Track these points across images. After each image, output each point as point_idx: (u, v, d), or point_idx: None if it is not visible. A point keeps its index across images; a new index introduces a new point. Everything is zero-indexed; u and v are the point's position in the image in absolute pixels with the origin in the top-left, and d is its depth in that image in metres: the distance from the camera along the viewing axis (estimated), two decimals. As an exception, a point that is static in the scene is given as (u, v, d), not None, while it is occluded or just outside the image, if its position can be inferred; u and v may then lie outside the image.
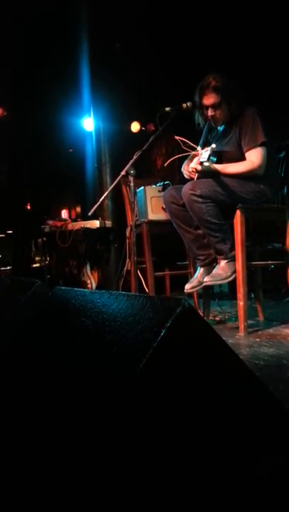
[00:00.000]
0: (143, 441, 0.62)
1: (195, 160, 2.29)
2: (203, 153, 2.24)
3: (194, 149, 2.35)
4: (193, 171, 2.29)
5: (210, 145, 2.35)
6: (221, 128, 2.49)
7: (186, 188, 2.27)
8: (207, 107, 2.36)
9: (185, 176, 2.41)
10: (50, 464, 0.64)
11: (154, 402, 0.63)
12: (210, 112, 2.36)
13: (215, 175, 2.33)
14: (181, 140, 2.34)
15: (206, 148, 2.28)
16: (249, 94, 2.58)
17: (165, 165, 2.68)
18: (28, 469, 0.67)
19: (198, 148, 2.36)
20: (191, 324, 0.66)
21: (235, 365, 0.71)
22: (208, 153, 2.20)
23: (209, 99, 2.33)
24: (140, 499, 0.60)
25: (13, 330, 1.04)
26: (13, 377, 0.90)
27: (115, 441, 0.59)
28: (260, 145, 2.29)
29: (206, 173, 2.32)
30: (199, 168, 2.23)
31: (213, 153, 2.35)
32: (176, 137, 2.35)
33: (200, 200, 2.22)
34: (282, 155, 2.51)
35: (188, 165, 2.36)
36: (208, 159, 2.20)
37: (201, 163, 2.19)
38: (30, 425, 0.75)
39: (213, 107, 2.34)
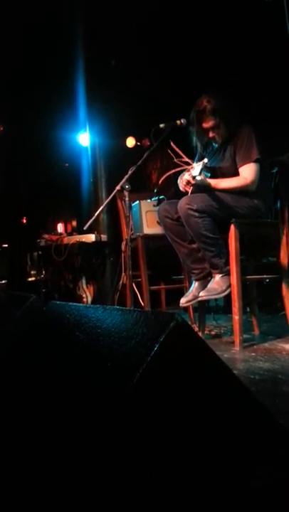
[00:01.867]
0: (138, 454, 0.61)
1: (187, 174, 2.32)
2: (196, 168, 2.27)
3: (187, 164, 2.38)
4: (187, 184, 2.32)
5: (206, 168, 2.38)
6: (216, 144, 2.53)
7: (182, 203, 2.29)
8: (207, 130, 2.41)
9: (181, 188, 2.44)
10: (43, 479, 0.64)
11: (147, 417, 0.63)
12: (211, 134, 2.42)
13: (208, 189, 2.35)
14: (174, 152, 2.37)
15: (198, 163, 2.31)
16: (242, 109, 2.63)
17: (160, 182, 2.71)
18: (23, 481, 0.67)
19: (194, 164, 2.39)
20: (185, 339, 0.67)
21: (229, 379, 0.71)
22: (200, 167, 2.23)
23: (208, 123, 2.38)
24: (135, 509, 0.59)
25: (7, 344, 1.04)
26: (7, 391, 0.90)
27: (109, 456, 0.59)
28: (254, 161, 2.33)
29: (199, 187, 2.35)
30: (192, 182, 2.25)
31: (207, 168, 2.38)
32: (171, 146, 2.38)
33: (196, 214, 2.24)
34: (274, 170, 2.55)
35: (182, 183, 2.39)
36: (200, 173, 2.22)
37: (194, 178, 2.22)
38: (24, 438, 0.74)
39: (213, 128, 2.40)
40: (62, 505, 0.57)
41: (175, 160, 2.35)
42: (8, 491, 0.66)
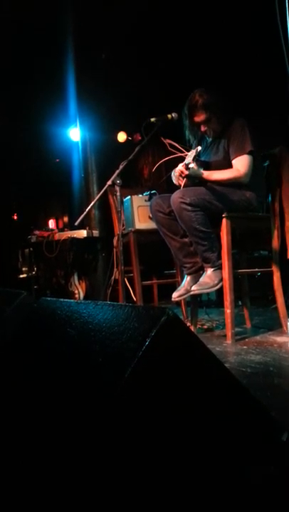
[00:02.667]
0: (129, 450, 0.61)
1: (180, 165, 2.32)
2: (189, 156, 2.27)
3: (181, 151, 2.37)
4: (180, 176, 2.31)
5: (199, 156, 2.38)
6: (209, 139, 2.54)
7: (175, 196, 2.29)
8: (199, 124, 2.44)
9: (174, 181, 2.44)
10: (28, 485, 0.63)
11: (139, 411, 0.62)
12: (202, 128, 2.46)
13: (201, 180, 2.36)
14: (168, 143, 2.36)
15: (191, 151, 2.31)
16: (234, 104, 2.64)
17: (152, 170, 2.70)
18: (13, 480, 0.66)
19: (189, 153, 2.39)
20: (176, 333, 0.67)
21: (221, 372, 0.71)
22: (193, 154, 2.23)
23: (200, 117, 2.42)
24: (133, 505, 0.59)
25: (-2, 341, 1.03)
26: (-1, 390, 0.89)
27: (100, 454, 0.59)
28: (247, 154, 2.35)
29: (192, 179, 2.35)
30: (186, 172, 2.25)
31: (200, 162, 2.38)
32: (165, 140, 2.37)
33: (189, 208, 2.24)
34: (266, 164, 2.55)
35: (176, 175, 2.39)
36: (193, 160, 2.23)
37: (187, 165, 2.22)
38: (16, 438, 0.74)
39: (204, 122, 2.43)
40: (55, 503, 0.57)
41: (169, 148, 2.34)
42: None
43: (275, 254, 2.48)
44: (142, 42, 4.31)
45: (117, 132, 4.77)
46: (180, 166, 2.29)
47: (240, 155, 2.36)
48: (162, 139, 2.38)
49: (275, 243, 2.47)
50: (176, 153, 2.36)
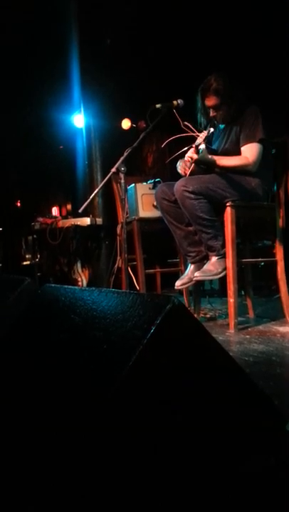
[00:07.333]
0: (132, 438, 0.61)
1: (190, 151, 2.28)
2: (200, 137, 2.25)
3: (193, 131, 2.33)
4: (188, 162, 2.28)
5: (211, 144, 2.35)
6: (222, 126, 2.51)
7: (178, 185, 2.28)
8: (209, 108, 2.41)
9: (179, 171, 2.41)
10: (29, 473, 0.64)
11: (143, 399, 0.62)
12: (212, 113, 2.43)
13: (209, 166, 2.34)
14: (184, 123, 2.32)
15: (203, 132, 2.28)
16: (244, 91, 2.59)
17: (164, 144, 2.62)
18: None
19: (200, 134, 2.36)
20: (181, 321, 0.66)
21: (225, 361, 0.71)
22: (205, 135, 2.21)
23: (210, 101, 2.39)
24: (128, 492, 0.60)
25: (1, 327, 1.03)
26: (1, 376, 0.89)
27: (101, 442, 0.59)
28: (258, 142, 2.31)
29: (201, 164, 2.33)
30: (195, 156, 2.22)
31: (210, 150, 2.36)
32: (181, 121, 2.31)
33: (192, 196, 2.23)
34: (272, 152, 2.53)
35: (184, 161, 2.36)
36: (204, 141, 2.20)
37: (197, 147, 2.19)
38: (17, 427, 0.74)
39: (214, 108, 2.41)
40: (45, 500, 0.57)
41: (183, 126, 2.30)
42: None
43: (279, 244, 2.46)
44: (147, 27, 4.24)
45: (122, 119, 4.72)
46: (190, 152, 2.26)
47: (249, 142, 2.32)
48: (176, 114, 2.32)
49: (279, 233, 2.46)
50: (188, 132, 2.32)
